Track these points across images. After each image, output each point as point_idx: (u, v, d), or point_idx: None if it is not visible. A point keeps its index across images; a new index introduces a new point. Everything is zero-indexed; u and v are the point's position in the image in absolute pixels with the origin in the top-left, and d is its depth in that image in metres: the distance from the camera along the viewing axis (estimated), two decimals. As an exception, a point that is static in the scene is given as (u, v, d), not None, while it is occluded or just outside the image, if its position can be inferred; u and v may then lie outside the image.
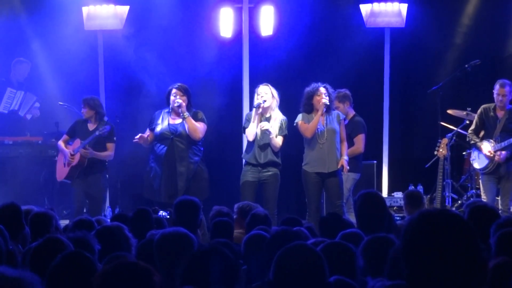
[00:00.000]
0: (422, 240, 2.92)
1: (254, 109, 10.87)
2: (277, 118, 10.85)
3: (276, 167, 10.83)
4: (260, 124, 10.75)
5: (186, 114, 10.69)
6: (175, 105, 10.70)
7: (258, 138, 10.80)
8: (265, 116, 10.83)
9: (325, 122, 10.74)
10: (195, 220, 7.03)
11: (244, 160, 11.01)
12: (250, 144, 10.89)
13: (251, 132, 10.81)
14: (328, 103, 10.68)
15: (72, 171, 11.25)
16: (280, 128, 10.79)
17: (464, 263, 2.88)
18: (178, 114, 10.79)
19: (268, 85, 10.94)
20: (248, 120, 10.92)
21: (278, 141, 10.78)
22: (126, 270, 3.58)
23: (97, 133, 11.09)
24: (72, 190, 11.41)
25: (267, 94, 10.83)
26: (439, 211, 3.02)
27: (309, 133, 10.72)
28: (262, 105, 10.77)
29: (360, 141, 11.65)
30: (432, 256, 2.89)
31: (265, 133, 10.73)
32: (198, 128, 10.76)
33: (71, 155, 11.21)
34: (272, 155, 10.80)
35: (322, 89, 10.73)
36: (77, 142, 11.27)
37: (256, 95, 10.92)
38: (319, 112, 10.67)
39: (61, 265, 4.09)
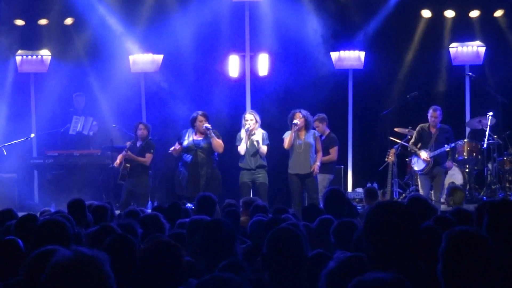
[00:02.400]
0: (378, 224, 2.99)
1: (243, 131, 10.84)
2: (260, 133, 10.90)
3: (264, 168, 10.90)
4: (252, 137, 10.79)
5: (213, 135, 10.72)
6: (204, 127, 10.72)
7: (248, 149, 10.82)
8: (251, 134, 10.85)
9: (303, 137, 10.75)
10: (212, 210, 7.05)
11: (240, 167, 11.04)
12: (243, 155, 10.91)
13: (242, 148, 10.85)
14: (296, 123, 10.60)
15: (121, 173, 11.33)
16: (263, 139, 10.84)
17: (407, 238, 2.96)
18: (202, 133, 10.80)
19: (252, 113, 10.97)
20: (239, 140, 10.92)
21: (264, 148, 10.83)
22: (161, 246, 3.61)
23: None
24: (123, 188, 11.48)
25: (252, 121, 10.85)
26: (390, 202, 3.13)
27: (286, 146, 10.77)
28: (250, 128, 10.80)
29: (334, 152, 11.64)
30: (385, 234, 2.95)
31: (255, 143, 10.78)
32: (221, 145, 10.81)
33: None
34: (260, 160, 10.86)
35: (297, 114, 10.72)
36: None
37: (243, 120, 10.94)
38: (292, 130, 10.66)
39: (110, 244, 4.13)
